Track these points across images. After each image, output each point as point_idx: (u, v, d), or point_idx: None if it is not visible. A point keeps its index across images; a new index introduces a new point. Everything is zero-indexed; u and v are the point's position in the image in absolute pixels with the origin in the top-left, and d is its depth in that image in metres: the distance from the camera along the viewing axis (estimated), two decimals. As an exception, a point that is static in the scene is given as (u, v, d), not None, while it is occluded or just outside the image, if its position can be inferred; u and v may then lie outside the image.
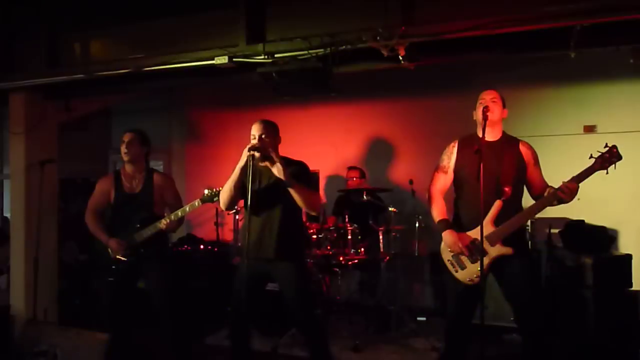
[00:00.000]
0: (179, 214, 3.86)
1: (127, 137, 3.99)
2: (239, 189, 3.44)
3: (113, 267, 3.92)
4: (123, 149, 3.96)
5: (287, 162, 3.54)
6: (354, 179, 5.74)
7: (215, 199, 3.80)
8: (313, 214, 3.43)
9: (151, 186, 4.01)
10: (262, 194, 3.47)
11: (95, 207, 4.06)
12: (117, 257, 3.90)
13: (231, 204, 3.59)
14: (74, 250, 5.92)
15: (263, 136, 3.45)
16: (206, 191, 3.83)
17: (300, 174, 3.51)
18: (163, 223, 3.83)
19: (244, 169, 3.31)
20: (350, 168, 5.91)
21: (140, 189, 3.99)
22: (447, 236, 3.31)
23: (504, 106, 3.37)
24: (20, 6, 4.99)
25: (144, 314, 4.00)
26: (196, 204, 3.84)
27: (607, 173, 3.02)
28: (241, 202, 3.68)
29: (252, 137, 3.47)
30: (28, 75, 4.76)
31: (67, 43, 4.86)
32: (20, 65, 4.97)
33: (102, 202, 4.06)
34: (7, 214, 7.18)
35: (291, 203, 3.47)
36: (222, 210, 3.79)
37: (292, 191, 3.36)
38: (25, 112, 5.03)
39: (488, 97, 3.32)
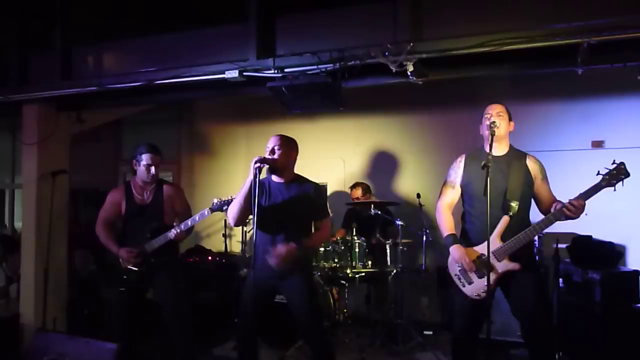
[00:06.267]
0: (189, 223, 3.90)
1: (155, 161, 4.00)
2: (249, 203, 3.34)
3: (124, 276, 3.96)
4: (151, 171, 3.98)
5: (301, 181, 3.57)
6: (358, 197, 5.70)
7: (224, 208, 3.81)
8: None
9: (161, 197, 4.06)
10: (274, 209, 3.48)
11: (106, 218, 4.11)
12: (128, 267, 3.94)
13: (240, 219, 3.52)
14: (87, 259, 5.94)
15: (277, 149, 3.46)
16: (215, 200, 3.86)
17: (320, 197, 3.63)
18: (172, 233, 3.86)
19: (252, 182, 3.31)
20: (353, 187, 5.85)
21: (151, 200, 4.04)
22: (455, 251, 3.32)
23: (510, 119, 3.37)
24: (34, 19, 5.09)
25: (152, 324, 4.02)
26: (205, 213, 3.88)
27: (614, 190, 2.99)
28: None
29: (266, 149, 3.49)
30: (42, 87, 4.84)
31: (80, 56, 4.94)
32: (34, 78, 5.06)
33: (113, 213, 4.11)
34: (18, 223, 7.23)
35: (302, 218, 3.52)
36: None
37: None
38: (38, 124, 5.10)
39: (494, 112, 3.32)
